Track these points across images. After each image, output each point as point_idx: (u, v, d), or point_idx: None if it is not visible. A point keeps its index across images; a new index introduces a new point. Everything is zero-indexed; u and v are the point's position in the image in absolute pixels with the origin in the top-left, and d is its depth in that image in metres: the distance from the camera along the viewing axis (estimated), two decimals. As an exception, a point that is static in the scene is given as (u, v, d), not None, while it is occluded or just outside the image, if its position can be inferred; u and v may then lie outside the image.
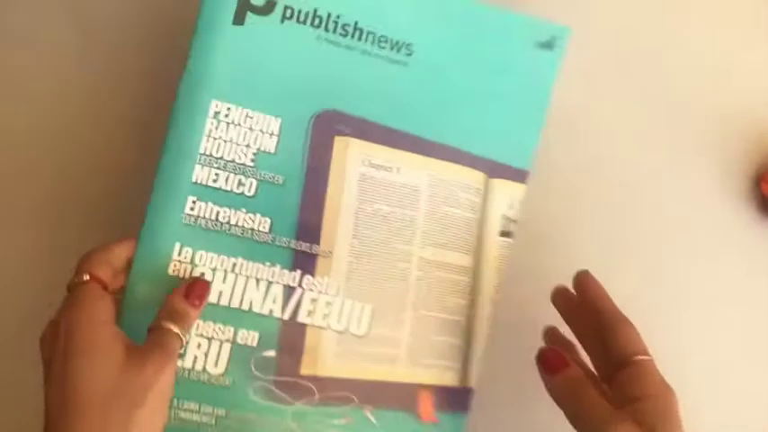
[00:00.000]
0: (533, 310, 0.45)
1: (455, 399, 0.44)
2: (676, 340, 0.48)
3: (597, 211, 0.48)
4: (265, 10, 0.40)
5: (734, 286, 0.49)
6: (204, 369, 0.40)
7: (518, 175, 0.44)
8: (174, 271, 0.40)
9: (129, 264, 0.40)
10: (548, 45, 0.43)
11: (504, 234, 0.44)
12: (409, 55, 0.42)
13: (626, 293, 0.46)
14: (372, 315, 0.42)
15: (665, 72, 0.49)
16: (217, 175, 0.40)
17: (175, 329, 0.37)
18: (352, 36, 0.41)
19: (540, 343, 0.44)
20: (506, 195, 0.44)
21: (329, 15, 0.41)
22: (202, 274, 0.40)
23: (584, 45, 0.46)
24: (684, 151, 0.49)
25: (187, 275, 0.40)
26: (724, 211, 0.50)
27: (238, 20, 0.40)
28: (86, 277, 0.37)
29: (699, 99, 0.50)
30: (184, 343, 0.38)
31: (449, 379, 0.44)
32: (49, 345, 0.36)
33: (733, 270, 0.50)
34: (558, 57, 0.43)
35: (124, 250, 0.39)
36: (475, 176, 0.43)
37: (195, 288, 0.39)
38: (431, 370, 0.43)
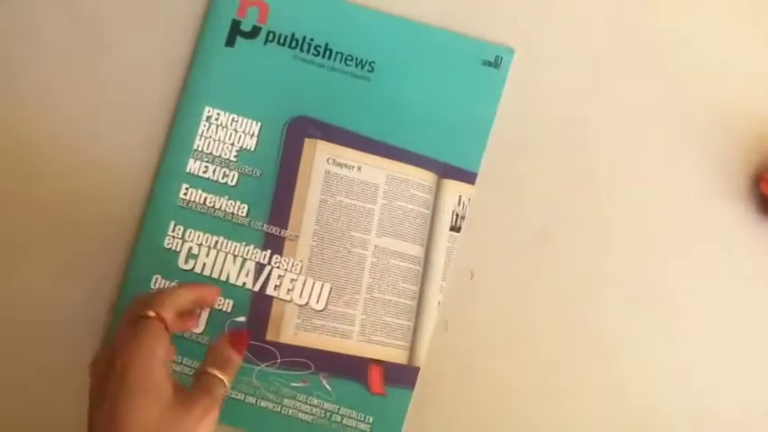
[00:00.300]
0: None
1: (403, 375, 0.48)
2: (676, 341, 0.49)
3: (596, 212, 0.50)
4: (252, 34, 0.49)
5: (734, 287, 0.50)
6: (187, 327, 0.49)
7: (467, 177, 0.49)
8: (168, 244, 0.49)
9: (194, 305, 0.43)
10: (494, 64, 0.49)
11: (453, 229, 0.49)
12: (371, 71, 0.49)
13: (625, 294, 0.49)
14: (330, 293, 0.49)
15: (665, 72, 0.50)
16: (206, 167, 0.49)
17: (220, 376, 0.39)
18: (323, 55, 0.49)
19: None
20: (456, 194, 0.49)
21: (304, 38, 0.49)
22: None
23: (584, 45, 0.50)
24: (684, 151, 0.50)
25: (179, 249, 0.49)
26: (724, 211, 0.50)
27: (229, 42, 0.49)
28: (152, 314, 0.39)
29: (698, 99, 0.50)
30: (228, 390, 0.39)
31: (398, 356, 0.49)
32: (101, 371, 0.38)
33: (733, 270, 0.50)
34: (503, 74, 0.49)
35: (191, 293, 0.42)
36: (427, 176, 0.49)
37: (239, 336, 0.42)
38: (381, 347, 0.49)
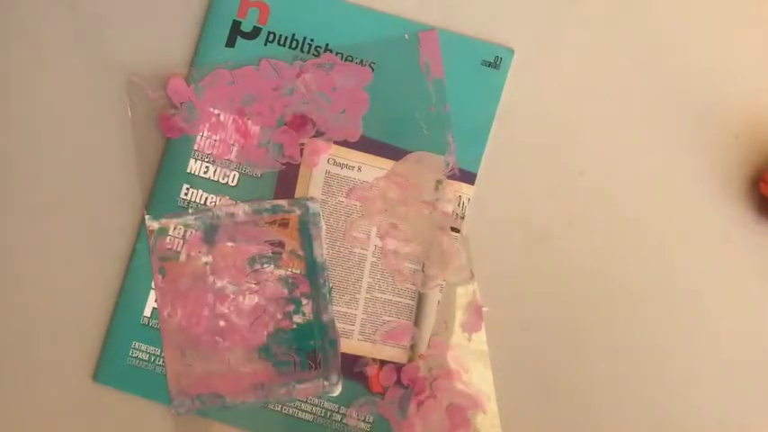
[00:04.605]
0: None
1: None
2: (676, 342, 0.49)
3: (595, 213, 0.50)
4: (252, 35, 0.49)
5: (733, 287, 0.50)
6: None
7: (467, 177, 0.49)
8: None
9: None
10: (493, 64, 0.49)
11: (453, 229, 0.49)
12: (372, 71, 0.49)
13: (625, 295, 0.49)
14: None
15: (664, 72, 0.50)
16: (207, 167, 0.49)
17: None
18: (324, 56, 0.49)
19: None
20: (456, 194, 0.49)
21: (304, 39, 0.49)
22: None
23: (583, 45, 0.50)
24: (683, 152, 0.50)
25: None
26: (723, 212, 0.50)
27: (230, 43, 0.49)
28: None
29: (697, 99, 0.50)
30: None
31: (397, 356, 0.49)
32: None
33: (732, 271, 0.50)
34: (503, 74, 0.49)
35: None
36: (427, 176, 0.49)
37: None
38: (381, 346, 0.49)
